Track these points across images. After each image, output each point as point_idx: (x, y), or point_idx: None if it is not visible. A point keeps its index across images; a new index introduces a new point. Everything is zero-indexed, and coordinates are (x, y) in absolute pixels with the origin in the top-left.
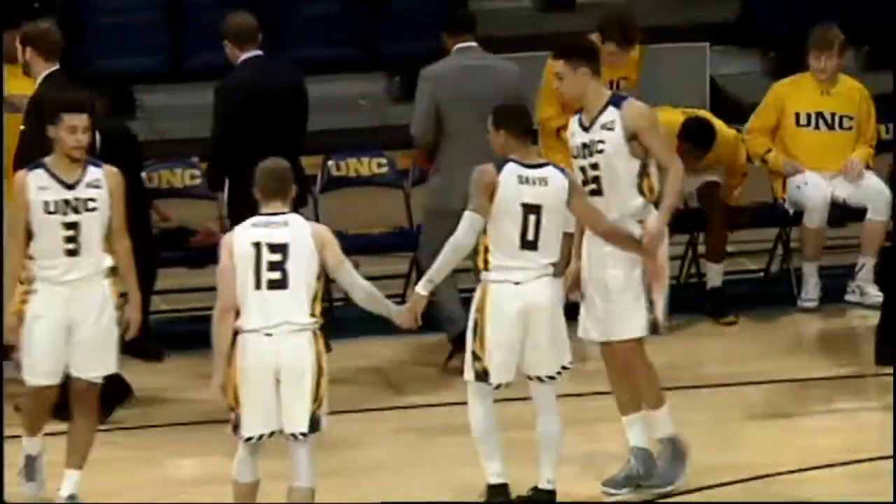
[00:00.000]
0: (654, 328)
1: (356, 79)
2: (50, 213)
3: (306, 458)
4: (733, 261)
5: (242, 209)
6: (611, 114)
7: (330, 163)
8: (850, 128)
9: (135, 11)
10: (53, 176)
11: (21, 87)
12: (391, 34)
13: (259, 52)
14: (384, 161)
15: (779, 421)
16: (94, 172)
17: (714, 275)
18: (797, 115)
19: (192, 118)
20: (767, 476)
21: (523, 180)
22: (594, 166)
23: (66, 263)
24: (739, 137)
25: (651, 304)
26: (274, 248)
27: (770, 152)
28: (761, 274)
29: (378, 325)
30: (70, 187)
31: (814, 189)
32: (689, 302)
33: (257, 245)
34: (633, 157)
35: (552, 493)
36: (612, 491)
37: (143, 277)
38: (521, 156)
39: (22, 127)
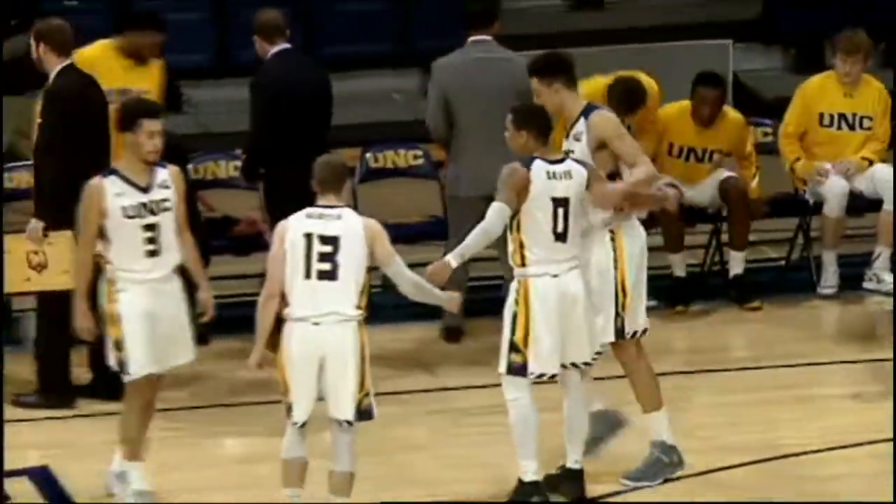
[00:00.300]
0: (620, 334)
1: (391, 74)
2: (129, 217)
3: (348, 444)
4: (755, 249)
5: (277, 200)
6: (581, 125)
7: (368, 155)
8: (869, 128)
9: (183, 10)
10: (127, 181)
11: (138, 82)
12: (424, 31)
13: (287, 46)
14: (419, 153)
15: (801, 402)
16: (162, 173)
17: (737, 263)
18: (821, 116)
19: (236, 112)
20: (792, 455)
21: (551, 175)
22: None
23: (148, 264)
24: (746, 123)
25: (619, 310)
26: (325, 239)
27: (799, 161)
28: (782, 262)
29: (413, 311)
30: (144, 190)
31: (833, 180)
32: (714, 289)
33: (309, 236)
34: (599, 167)
35: (580, 471)
36: (630, 483)
37: None
38: (544, 153)
39: (39, 120)
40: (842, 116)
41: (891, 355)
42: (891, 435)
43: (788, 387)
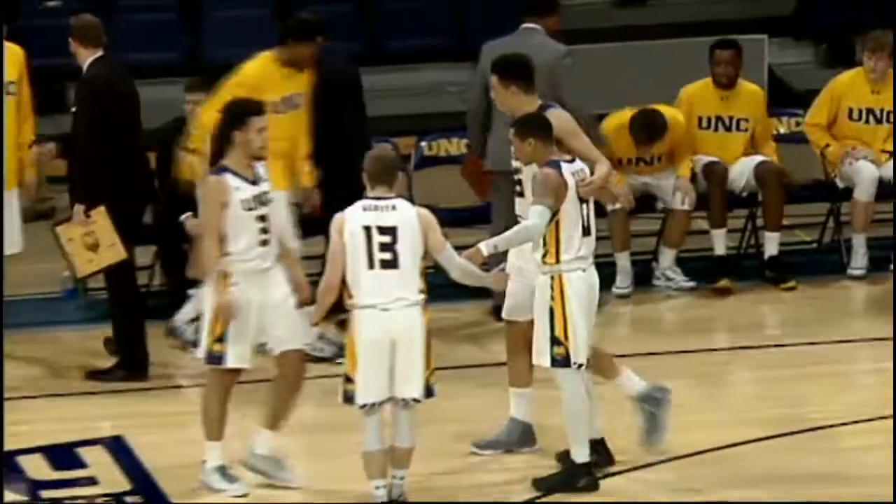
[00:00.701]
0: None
1: (445, 67)
2: (248, 210)
3: (409, 421)
4: (788, 233)
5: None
6: None
7: (422, 143)
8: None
9: (245, 7)
10: (238, 175)
11: (296, 88)
12: (477, 26)
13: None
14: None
15: (831, 378)
16: (260, 167)
17: (772, 244)
18: (850, 111)
19: None
20: (820, 428)
21: (573, 174)
22: (517, 171)
23: (261, 253)
24: (762, 93)
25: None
26: (384, 230)
27: (829, 147)
28: (814, 245)
29: (464, 290)
30: (254, 183)
31: (864, 166)
32: (750, 270)
33: (367, 228)
34: None
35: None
36: (479, 451)
37: None
38: (558, 155)
39: (73, 109)
40: (870, 112)
41: None
42: None
43: (819, 363)
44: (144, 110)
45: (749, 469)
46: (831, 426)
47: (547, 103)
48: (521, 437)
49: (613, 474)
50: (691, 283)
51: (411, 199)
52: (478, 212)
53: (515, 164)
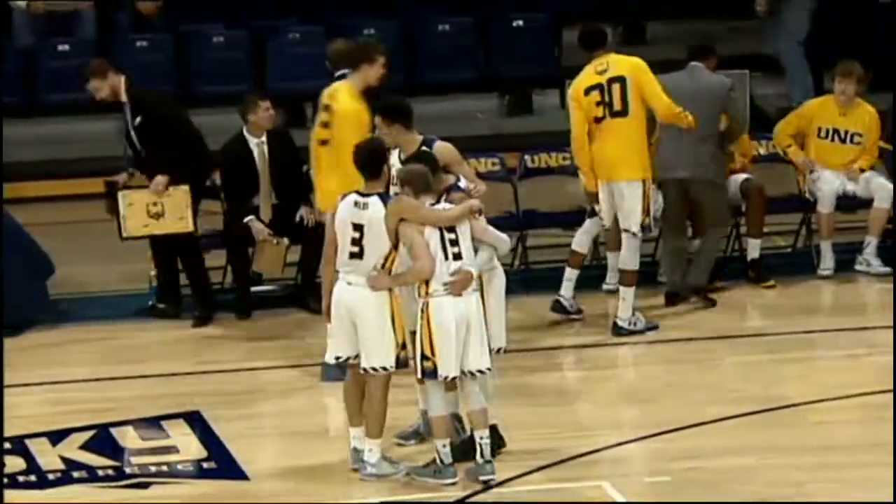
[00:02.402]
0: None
1: (475, 98)
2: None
3: (479, 386)
4: (767, 239)
5: None
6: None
7: (526, 157)
8: (858, 143)
9: (303, 44)
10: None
11: (347, 102)
12: (503, 61)
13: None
14: (497, 161)
15: (805, 362)
16: None
17: (753, 248)
18: (819, 129)
19: None
20: (795, 405)
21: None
22: None
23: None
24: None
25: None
26: (450, 228)
27: (791, 147)
28: (789, 249)
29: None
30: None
31: (825, 183)
32: (734, 271)
33: (440, 228)
34: (442, 184)
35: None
36: (402, 441)
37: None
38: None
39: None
40: (836, 132)
41: (876, 324)
42: (874, 389)
43: (793, 350)
44: (215, 133)
45: (734, 440)
46: (804, 403)
47: (429, 137)
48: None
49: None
50: None
51: (517, 204)
52: (502, 221)
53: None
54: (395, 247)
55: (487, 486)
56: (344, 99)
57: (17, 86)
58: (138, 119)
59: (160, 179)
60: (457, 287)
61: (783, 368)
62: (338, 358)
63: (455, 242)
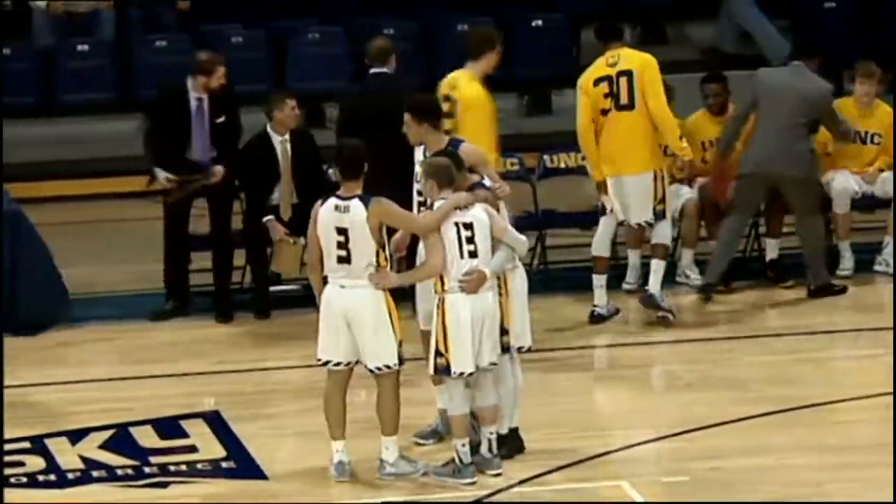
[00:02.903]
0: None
1: (495, 97)
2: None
3: (490, 382)
4: (787, 239)
5: None
6: None
7: (545, 157)
8: (878, 143)
9: (323, 44)
10: None
11: (471, 89)
12: (522, 61)
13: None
14: (516, 161)
15: (824, 362)
16: None
17: (772, 249)
18: None
19: None
20: (814, 405)
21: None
22: None
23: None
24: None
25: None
26: (466, 226)
27: None
28: None
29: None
30: None
31: (840, 183)
32: (753, 271)
33: (456, 224)
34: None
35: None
36: (421, 441)
37: None
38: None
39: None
40: (856, 133)
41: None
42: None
43: (813, 350)
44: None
45: (753, 440)
46: (823, 403)
47: (456, 138)
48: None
49: (643, 443)
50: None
51: (536, 204)
52: (521, 220)
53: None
54: (383, 246)
55: (509, 486)
56: (467, 87)
57: (36, 85)
58: (222, 118)
59: (219, 169)
60: (471, 286)
61: (802, 368)
62: (326, 362)
63: (471, 240)
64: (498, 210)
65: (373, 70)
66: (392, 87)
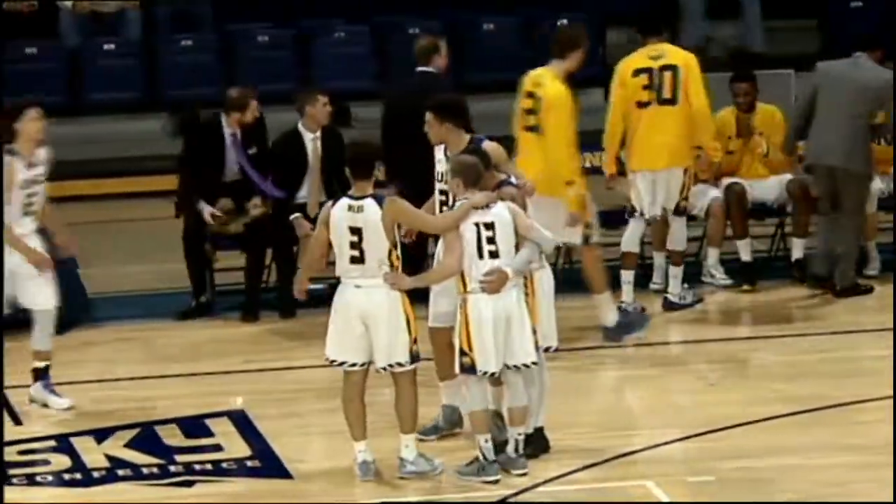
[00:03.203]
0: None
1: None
2: None
3: (523, 383)
4: (812, 238)
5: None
6: None
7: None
8: None
9: (348, 44)
10: None
11: (556, 88)
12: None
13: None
14: None
15: (849, 362)
16: None
17: (798, 248)
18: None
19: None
20: (839, 405)
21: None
22: None
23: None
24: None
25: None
26: (487, 226)
27: None
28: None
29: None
30: None
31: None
32: (779, 270)
33: (477, 224)
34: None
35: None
36: (422, 437)
37: None
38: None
39: None
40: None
41: None
42: None
43: (839, 349)
44: (272, 133)
45: (778, 439)
46: (848, 403)
47: (477, 136)
48: (454, 419)
49: (668, 442)
50: (729, 281)
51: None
52: (617, 215)
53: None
54: (395, 245)
55: (534, 485)
56: (551, 85)
57: (63, 85)
58: (253, 148)
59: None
60: (492, 287)
61: (828, 368)
62: (341, 363)
63: (492, 240)
64: (525, 208)
65: (418, 68)
66: (433, 86)
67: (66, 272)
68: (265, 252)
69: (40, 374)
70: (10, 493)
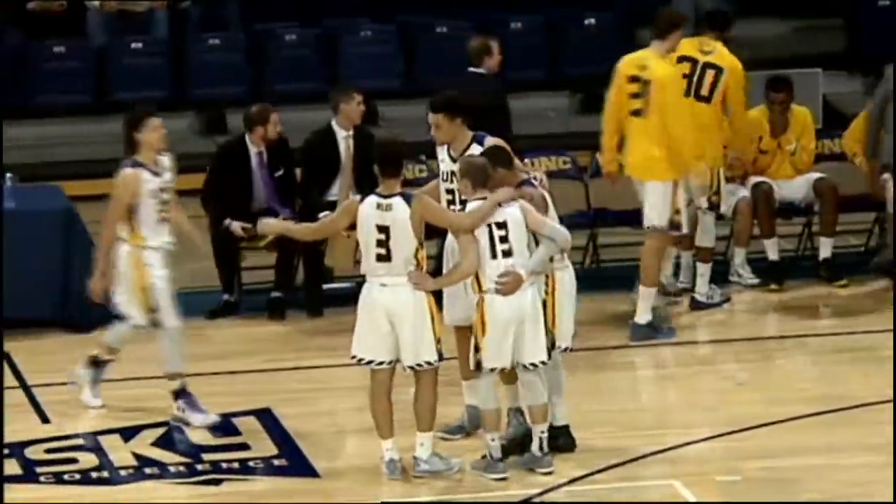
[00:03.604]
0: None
1: (546, 96)
2: None
3: (539, 381)
4: (840, 238)
5: None
6: (474, 149)
7: (597, 155)
8: None
9: (375, 43)
10: None
11: (664, 68)
12: (573, 60)
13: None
14: (568, 160)
15: (876, 362)
16: None
17: (826, 247)
18: None
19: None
20: (865, 405)
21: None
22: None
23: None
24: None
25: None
26: (499, 225)
27: (856, 156)
28: (862, 248)
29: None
30: None
31: (891, 184)
32: (806, 270)
33: (489, 224)
34: None
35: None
36: (448, 436)
37: None
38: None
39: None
40: None
41: None
42: None
43: (866, 349)
44: (298, 132)
45: (805, 439)
46: (874, 403)
47: (480, 133)
48: (478, 420)
49: (694, 442)
50: (755, 280)
51: (588, 202)
52: (574, 219)
53: (456, 185)
54: (421, 245)
55: (560, 484)
56: (658, 66)
57: (91, 84)
58: (281, 170)
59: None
60: (507, 289)
61: (854, 368)
62: (369, 361)
63: (505, 239)
64: (546, 208)
65: (469, 69)
66: (480, 87)
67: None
68: (296, 251)
69: (179, 394)
70: (37, 491)
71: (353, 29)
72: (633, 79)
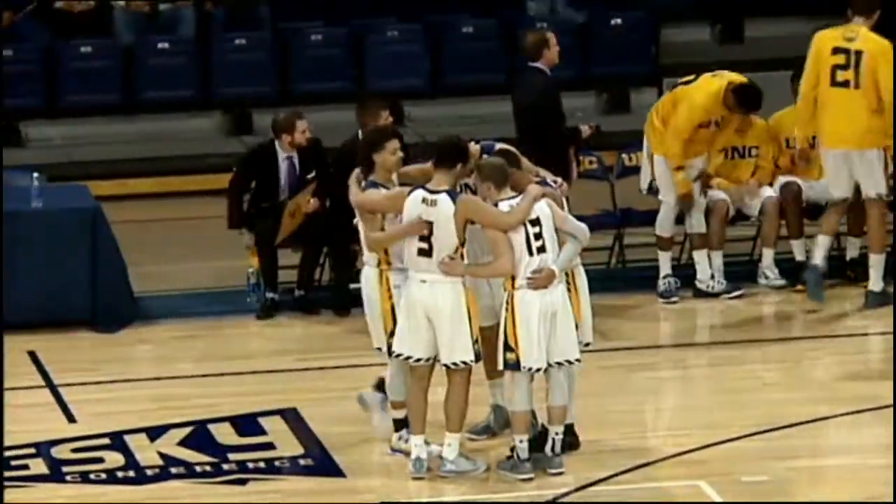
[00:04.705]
0: None
1: (574, 96)
2: None
3: (565, 381)
4: (866, 238)
5: None
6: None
7: (623, 155)
8: None
9: (401, 42)
10: None
11: (875, 39)
12: (600, 60)
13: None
14: (594, 159)
15: None
16: None
17: (853, 247)
18: None
19: (447, 126)
20: (892, 405)
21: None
22: None
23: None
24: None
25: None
26: (534, 222)
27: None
28: (888, 248)
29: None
30: None
31: None
32: (834, 270)
33: (524, 223)
34: None
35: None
36: (474, 436)
37: None
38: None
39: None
40: None
41: None
42: None
43: (892, 349)
44: (324, 132)
45: (832, 439)
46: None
47: (486, 143)
48: (504, 420)
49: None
50: (783, 282)
51: (614, 202)
52: (600, 219)
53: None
54: (462, 243)
55: (586, 484)
56: (872, 38)
57: (118, 83)
58: (312, 173)
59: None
60: (539, 283)
61: (881, 368)
62: (407, 357)
63: (539, 236)
64: (562, 208)
65: (528, 64)
66: (534, 82)
67: (112, 270)
68: (321, 249)
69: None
70: (64, 489)
71: (379, 29)
72: (839, 50)
